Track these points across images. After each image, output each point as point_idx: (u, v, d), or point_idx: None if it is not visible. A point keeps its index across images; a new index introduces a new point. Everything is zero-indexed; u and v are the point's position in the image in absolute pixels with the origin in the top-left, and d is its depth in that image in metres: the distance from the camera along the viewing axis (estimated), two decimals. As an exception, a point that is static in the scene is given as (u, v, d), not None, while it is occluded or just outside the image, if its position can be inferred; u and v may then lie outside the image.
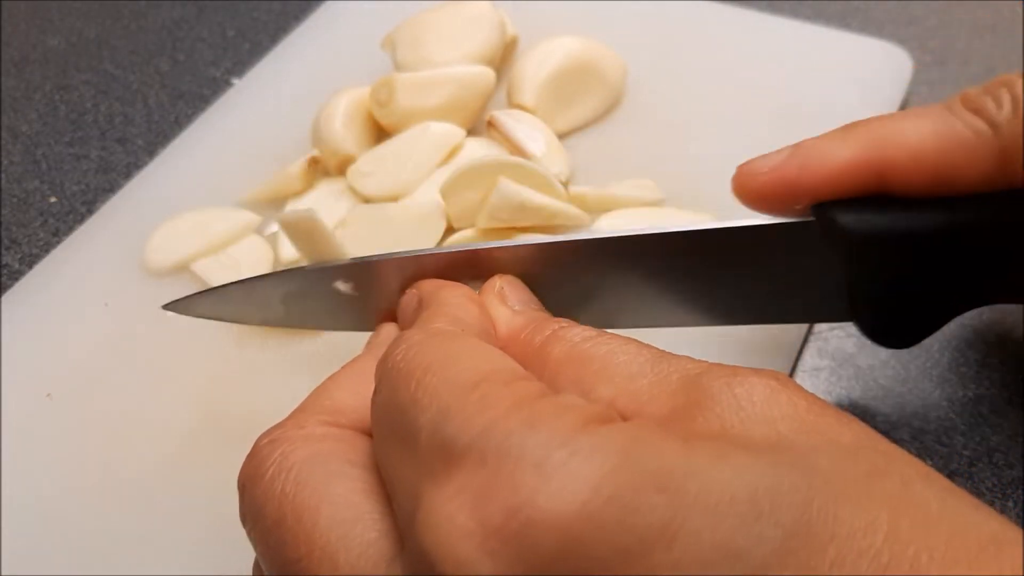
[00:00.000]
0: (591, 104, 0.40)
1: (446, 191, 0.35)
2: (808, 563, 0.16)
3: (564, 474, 0.16)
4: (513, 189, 0.34)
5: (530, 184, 0.34)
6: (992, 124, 0.26)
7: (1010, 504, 0.30)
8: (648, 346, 0.22)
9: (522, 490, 0.16)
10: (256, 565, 0.24)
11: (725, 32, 0.44)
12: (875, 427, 0.32)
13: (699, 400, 0.19)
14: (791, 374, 0.33)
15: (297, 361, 0.33)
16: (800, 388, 0.20)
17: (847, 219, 0.26)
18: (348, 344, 0.29)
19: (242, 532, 0.29)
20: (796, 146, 0.27)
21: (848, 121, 0.29)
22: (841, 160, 0.26)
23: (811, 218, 0.27)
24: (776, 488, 0.16)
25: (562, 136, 0.39)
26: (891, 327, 0.29)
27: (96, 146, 0.44)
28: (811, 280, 0.28)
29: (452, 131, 0.38)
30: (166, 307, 0.31)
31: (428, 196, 0.36)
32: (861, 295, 0.28)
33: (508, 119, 0.37)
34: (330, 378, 0.24)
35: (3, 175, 0.43)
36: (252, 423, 0.31)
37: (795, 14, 0.46)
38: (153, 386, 0.33)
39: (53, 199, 0.42)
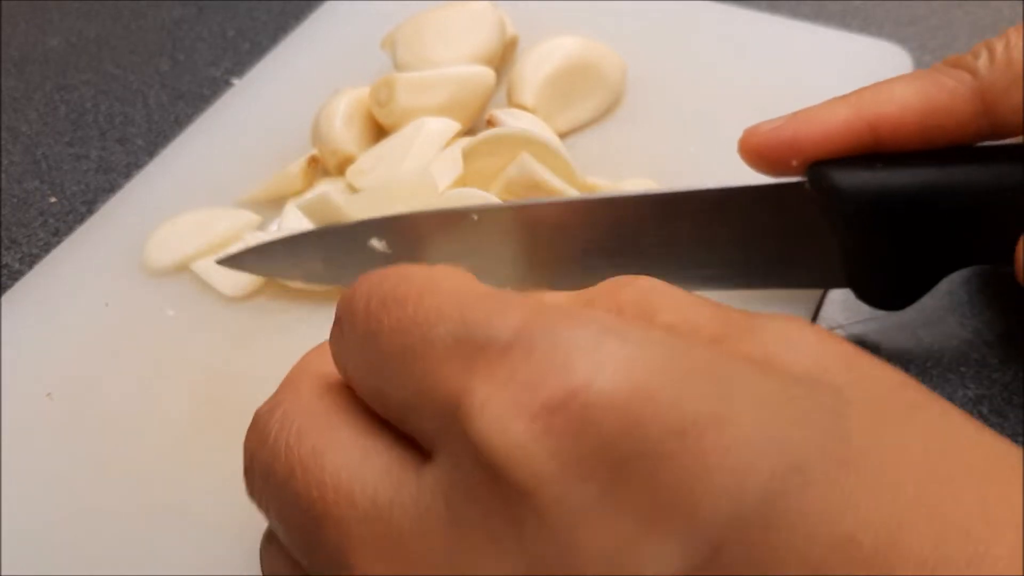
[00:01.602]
0: (591, 104, 0.40)
1: (468, 152, 0.35)
2: (844, 465, 0.16)
3: (620, 359, 0.17)
4: (533, 166, 0.34)
5: (550, 166, 0.35)
6: (972, 72, 0.28)
7: (1010, 504, 0.30)
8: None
9: (578, 374, 0.17)
10: (266, 540, 0.23)
11: (725, 32, 0.44)
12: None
13: (750, 326, 0.20)
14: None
15: (297, 361, 0.33)
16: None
17: (839, 176, 0.28)
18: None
19: (242, 531, 0.29)
20: (795, 112, 0.30)
21: None
22: (836, 120, 0.29)
23: (804, 179, 0.29)
24: (817, 403, 0.17)
25: (562, 135, 0.39)
26: (885, 288, 0.30)
27: (96, 146, 0.44)
28: (807, 245, 0.29)
29: (448, 125, 0.38)
30: (219, 262, 0.34)
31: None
32: (854, 256, 0.29)
33: (508, 118, 0.37)
34: (314, 348, 0.25)
35: (3, 175, 0.43)
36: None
37: (795, 14, 0.46)
38: (153, 386, 0.33)
39: (53, 199, 0.42)
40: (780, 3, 0.48)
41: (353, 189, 0.37)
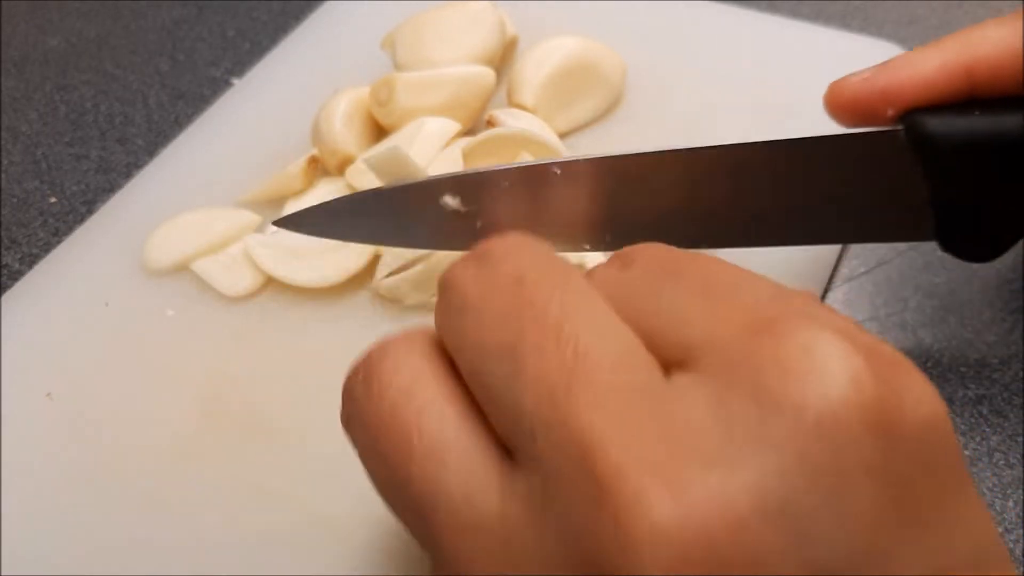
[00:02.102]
0: (591, 104, 0.40)
1: (468, 152, 0.35)
2: None
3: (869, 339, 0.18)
4: None
5: None
6: None
7: (1010, 504, 0.30)
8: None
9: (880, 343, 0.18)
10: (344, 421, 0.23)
11: (725, 32, 0.44)
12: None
13: (773, 330, 0.19)
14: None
15: (301, 360, 0.33)
16: None
17: (937, 124, 0.27)
18: (351, 342, 0.29)
19: (243, 531, 0.29)
20: (886, 61, 0.29)
21: None
22: (931, 66, 0.28)
23: (899, 127, 0.28)
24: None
25: (562, 135, 0.39)
26: (975, 240, 0.29)
27: (96, 146, 0.44)
28: (895, 196, 0.29)
29: (448, 126, 0.38)
30: (276, 223, 0.32)
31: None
32: (946, 207, 0.28)
33: (508, 119, 0.37)
34: None
35: (3, 175, 0.43)
36: (253, 422, 0.32)
37: (795, 14, 0.46)
38: (153, 385, 0.33)
39: (53, 199, 0.42)
40: (780, 3, 0.48)
41: (353, 189, 0.37)
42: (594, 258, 0.32)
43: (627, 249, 0.22)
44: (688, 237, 0.30)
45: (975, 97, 0.28)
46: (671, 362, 0.18)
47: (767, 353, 0.17)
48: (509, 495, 0.18)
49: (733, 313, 0.18)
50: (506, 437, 0.19)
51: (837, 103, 0.29)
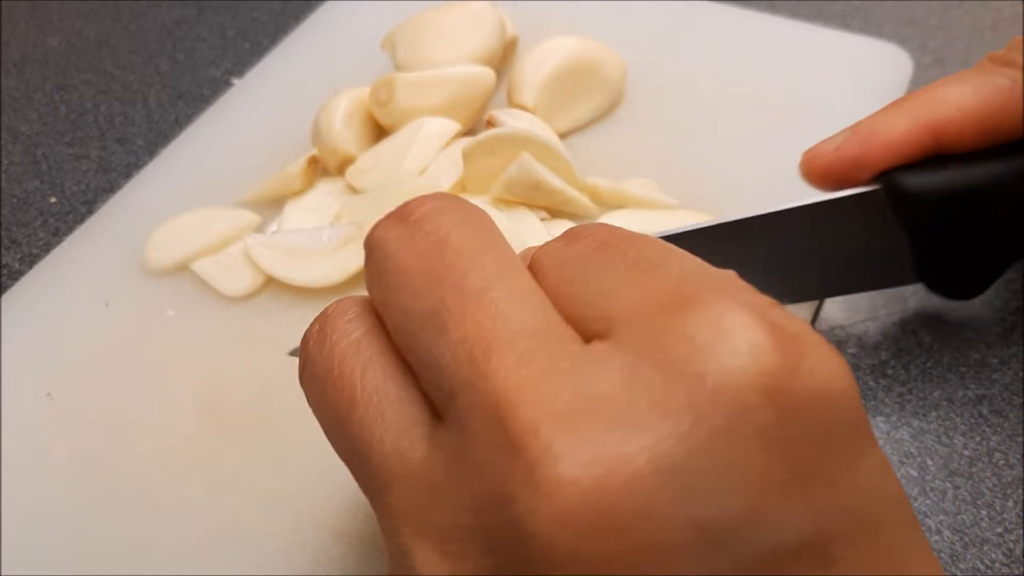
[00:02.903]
0: (591, 104, 0.40)
1: (468, 152, 0.35)
2: None
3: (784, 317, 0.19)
4: (533, 166, 0.34)
5: (551, 166, 0.35)
6: (1021, 68, 0.29)
7: (1010, 504, 0.30)
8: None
9: (790, 318, 0.19)
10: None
11: (725, 32, 0.44)
12: (876, 427, 0.32)
13: (680, 305, 0.20)
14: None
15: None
16: None
17: (912, 182, 0.29)
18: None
19: (242, 532, 0.29)
20: (854, 126, 0.30)
21: (848, 122, 0.30)
22: (899, 130, 0.30)
23: (876, 187, 0.30)
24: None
25: (562, 136, 0.39)
26: (958, 280, 0.31)
27: (96, 146, 0.44)
28: (877, 248, 0.31)
29: (448, 126, 0.38)
30: (292, 354, 0.32)
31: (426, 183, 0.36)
32: (928, 254, 0.30)
33: (508, 119, 0.37)
34: None
35: (3, 175, 0.43)
36: (252, 422, 0.32)
37: (795, 14, 0.46)
38: (153, 386, 0.33)
39: (53, 199, 0.42)
40: (780, 3, 0.48)
41: (353, 189, 0.37)
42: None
43: (577, 227, 0.23)
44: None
45: (942, 153, 0.30)
46: (593, 333, 0.19)
47: (678, 327, 0.18)
48: (434, 447, 0.19)
49: (655, 290, 0.19)
50: (431, 395, 0.20)
51: (812, 172, 0.31)
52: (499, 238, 0.21)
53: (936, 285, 0.31)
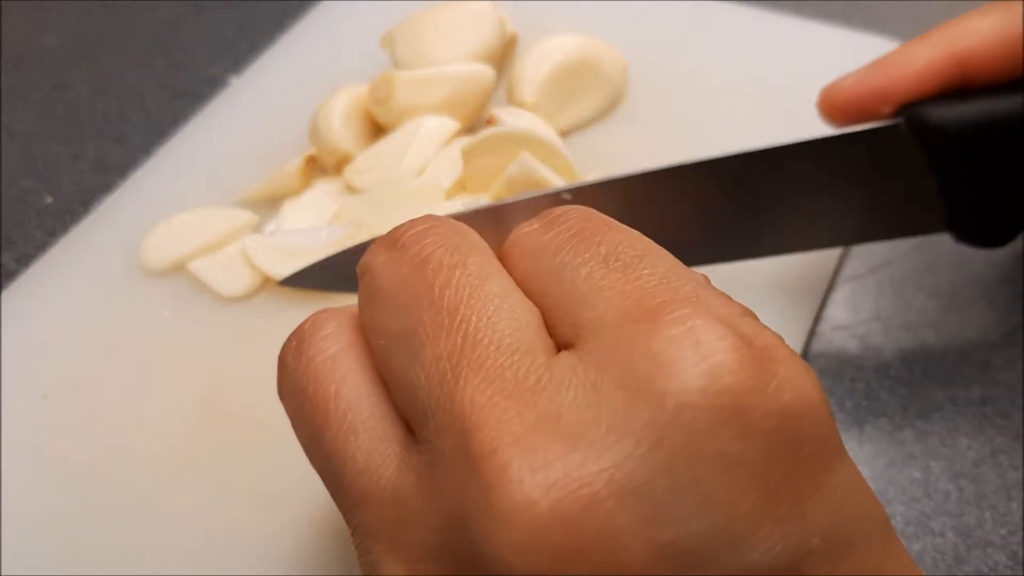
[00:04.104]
0: (591, 102, 0.40)
1: (468, 151, 0.35)
2: None
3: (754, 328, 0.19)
4: (533, 165, 0.34)
5: (551, 165, 0.35)
6: None
7: (1014, 506, 0.29)
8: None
9: (760, 331, 0.19)
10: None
11: (726, 30, 0.44)
12: (879, 428, 0.32)
13: (653, 316, 0.20)
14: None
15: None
16: None
17: (937, 114, 0.28)
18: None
19: (241, 532, 0.29)
20: (875, 60, 0.30)
21: None
22: (923, 60, 0.28)
23: (897, 120, 0.28)
24: None
25: (563, 134, 0.39)
26: (986, 225, 0.30)
27: (93, 145, 0.44)
28: (900, 190, 0.29)
29: (447, 124, 0.38)
30: (282, 283, 0.34)
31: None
32: (954, 195, 0.29)
33: (508, 117, 0.37)
34: None
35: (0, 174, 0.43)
36: (250, 422, 0.31)
37: (797, 12, 0.45)
38: (150, 386, 0.33)
39: (49, 199, 0.42)
40: (783, 2, 0.48)
41: (351, 188, 0.37)
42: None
43: (555, 210, 0.22)
44: (699, 251, 0.30)
45: (967, 86, 0.28)
46: (564, 339, 0.20)
47: (642, 342, 0.18)
48: (406, 466, 0.19)
49: (623, 294, 0.19)
50: (405, 415, 0.20)
51: (832, 106, 0.30)
52: (476, 255, 0.21)
53: (963, 232, 0.30)
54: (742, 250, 0.31)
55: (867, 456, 0.31)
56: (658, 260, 0.20)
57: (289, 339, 0.23)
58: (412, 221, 0.22)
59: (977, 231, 0.30)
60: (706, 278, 0.20)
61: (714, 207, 0.30)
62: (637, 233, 0.21)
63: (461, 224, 0.23)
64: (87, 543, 0.29)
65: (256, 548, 0.29)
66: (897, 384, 0.33)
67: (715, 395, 0.17)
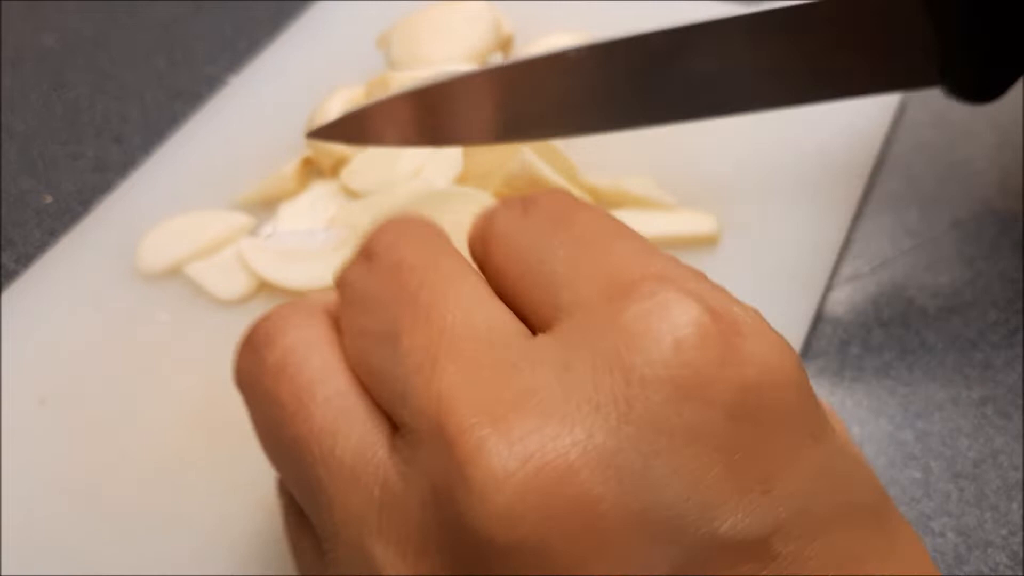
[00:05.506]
0: (590, 101, 0.40)
1: (467, 150, 0.35)
2: None
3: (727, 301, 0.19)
4: (534, 163, 0.34)
5: (551, 164, 0.35)
6: None
7: (1015, 506, 0.29)
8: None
9: (729, 305, 0.19)
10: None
11: (726, 27, 0.44)
12: (879, 428, 0.32)
13: (624, 294, 0.20)
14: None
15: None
16: None
17: None
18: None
19: (239, 536, 0.29)
20: None
21: (848, 119, 0.29)
22: None
23: None
24: None
25: (561, 134, 0.39)
26: (980, 76, 0.29)
27: (92, 145, 0.44)
28: (893, 38, 0.29)
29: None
30: (310, 135, 0.34)
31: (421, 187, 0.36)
32: (949, 41, 0.29)
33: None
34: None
35: (-1, 175, 0.43)
36: (248, 427, 0.31)
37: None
38: (146, 390, 0.33)
39: (49, 198, 0.42)
40: (781, 2, 0.48)
41: (347, 191, 0.37)
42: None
43: (531, 194, 0.23)
44: (717, 101, 0.32)
45: None
46: (542, 321, 0.20)
47: (613, 319, 0.18)
48: (391, 451, 0.20)
49: (598, 274, 0.20)
50: (384, 406, 0.20)
51: None
52: (448, 256, 0.22)
53: (956, 83, 0.30)
54: (745, 101, 0.32)
55: (867, 456, 0.31)
56: (630, 238, 0.21)
57: (255, 329, 0.23)
58: (380, 229, 0.23)
59: (969, 82, 0.30)
60: (675, 258, 0.21)
61: (729, 57, 0.31)
62: (608, 213, 0.22)
63: (432, 226, 0.23)
64: (83, 549, 0.29)
65: (253, 553, 0.29)
66: (897, 384, 0.32)
67: (678, 367, 0.17)
